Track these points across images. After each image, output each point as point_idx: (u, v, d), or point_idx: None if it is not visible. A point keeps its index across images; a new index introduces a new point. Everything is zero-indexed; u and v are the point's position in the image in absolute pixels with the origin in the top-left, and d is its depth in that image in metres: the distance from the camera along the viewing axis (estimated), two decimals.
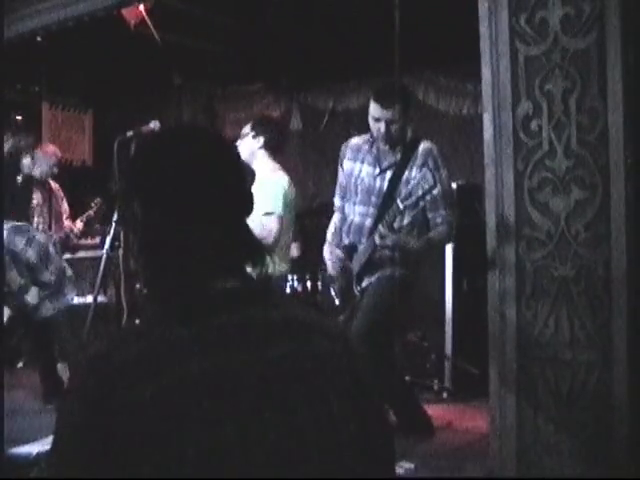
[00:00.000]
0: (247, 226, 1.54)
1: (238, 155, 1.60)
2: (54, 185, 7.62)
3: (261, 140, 5.07)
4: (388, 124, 4.26)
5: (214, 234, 1.46)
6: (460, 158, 7.89)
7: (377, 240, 4.14)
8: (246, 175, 1.64)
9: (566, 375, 3.18)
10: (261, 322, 1.44)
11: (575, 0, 3.09)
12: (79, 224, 7.74)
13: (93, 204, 7.87)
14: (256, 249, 1.54)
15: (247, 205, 1.55)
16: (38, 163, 7.43)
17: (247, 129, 5.21)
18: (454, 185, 5.39)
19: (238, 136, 5.19)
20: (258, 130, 5.12)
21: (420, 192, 4.08)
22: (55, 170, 7.48)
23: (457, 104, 8.22)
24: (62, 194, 7.74)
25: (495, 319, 3.38)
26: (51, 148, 7.67)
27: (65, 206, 7.78)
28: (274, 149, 5.11)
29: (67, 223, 7.65)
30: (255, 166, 5.10)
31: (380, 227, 4.16)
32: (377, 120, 4.29)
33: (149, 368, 1.32)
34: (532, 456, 3.27)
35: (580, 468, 3.14)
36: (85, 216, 7.83)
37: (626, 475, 3.01)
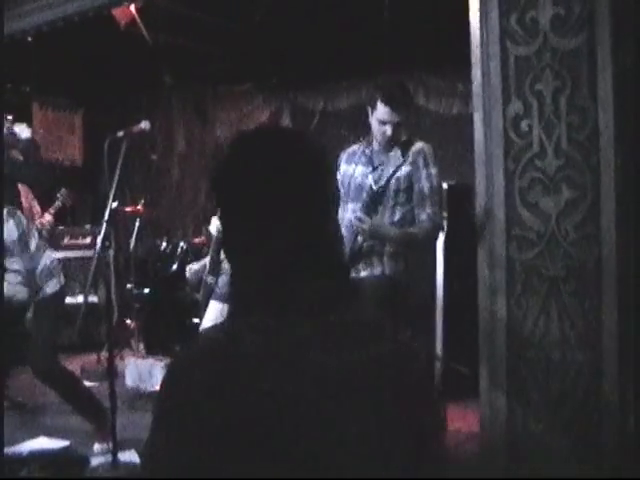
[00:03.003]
0: (336, 224, 1.59)
1: (322, 154, 1.59)
2: (21, 187, 7.61)
3: None
4: (395, 127, 4.26)
5: (299, 235, 1.48)
6: (450, 158, 7.89)
7: (355, 222, 4.13)
8: (332, 175, 1.69)
9: (556, 375, 3.19)
10: (341, 327, 1.48)
11: (565, 0, 3.10)
12: (48, 217, 7.72)
13: (59, 195, 7.84)
14: (339, 251, 1.59)
15: (332, 204, 1.57)
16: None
17: None
18: (445, 185, 5.40)
19: (228, 136, 5.20)
20: None
21: (409, 189, 4.09)
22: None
23: (447, 104, 8.23)
24: (31, 195, 7.75)
25: (485, 319, 3.39)
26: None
27: (36, 206, 7.78)
28: None
29: (38, 221, 7.64)
30: None
31: (359, 212, 4.17)
32: (383, 123, 4.28)
33: (261, 365, 1.39)
34: (522, 455, 3.27)
35: (570, 468, 3.15)
36: (52, 208, 7.81)
37: (616, 475, 3.01)
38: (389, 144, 4.32)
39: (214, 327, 1.68)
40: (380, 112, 4.28)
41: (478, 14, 3.33)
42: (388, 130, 4.27)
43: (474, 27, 3.35)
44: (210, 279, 5.62)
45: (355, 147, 4.55)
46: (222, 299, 5.29)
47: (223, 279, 5.36)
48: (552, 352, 3.20)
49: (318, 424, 1.39)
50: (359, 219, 4.13)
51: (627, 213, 3.04)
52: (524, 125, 3.24)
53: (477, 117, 3.39)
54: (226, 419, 1.36)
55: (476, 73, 3.38)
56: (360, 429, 1.41)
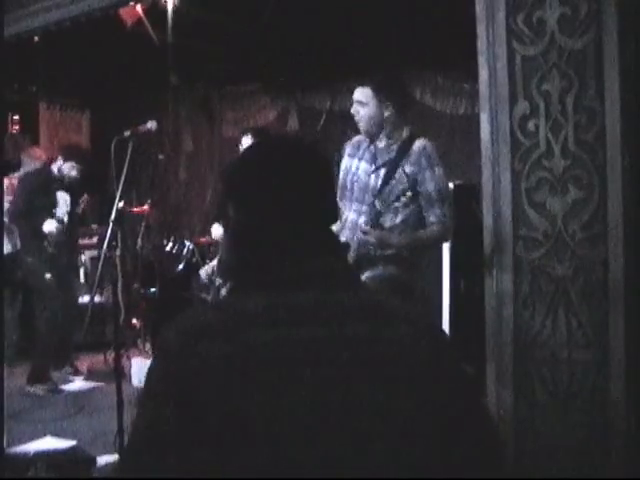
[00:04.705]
0: (331, 233, 1.71)
1: (329, 167, 1.76)
2: None
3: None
4: (366, 111, 4.23)
5: (299, 236, 1.60)
6: (457, 158, 7.90)
7: (359, 236, 4.11)
8: (334, 187, 1.85)
9: (563, 374, 3.18)
10: (341, 303, 1.53)
11: (572, 0, 3.10)
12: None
13: (80, 201, 7.85)
14: (337, 254, 1.66)
15: (332, 214, 1.73)
16: (24, 166, 7.47)
17: (248, 141, 5.24)
18: (451, 185, 5.39)
19: (236, 136, 5.20)
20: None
21: (411, 190, 4.07)
22: None
23: (454, 104, 8.23)
24: None
25: (492, 319, 3.38)
26: (37, 152, 7.69)
27: None
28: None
29: None
30: None
31: (362, 224, 4.15)
32: (354, 102, 4.31)
33: (226, 332, 1.44)
34: (529, 456, 3.27)
35: (578, 468, 3.14)
36: None
37: (624, 475, 3.01)
38: (367, 133, 4.30)
39: (214, 302, 1.75)
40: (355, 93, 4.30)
41: (485, 14, 3.32)
42: (355, 109, 4.27)
43: (481, 27, 3.34)
44: (219, 281, 5.62)
45: (360, 138, 4.48)
46: None
47: None
48: (559, 351, 3.20)
49: (320, 399, 1.41)
50: (364, 232, 4.09)
51: (634, 213, 3.04)
52: (531, 125, 3.23)
53: (484, 117, 3.39)
54: (227, 393, 1.39)
55: (483, 73, 3.37)
56: (370, 408, 1.43)
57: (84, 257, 7.42)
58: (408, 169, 4.17)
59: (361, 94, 4.27)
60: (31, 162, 7.57)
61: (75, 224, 7.39)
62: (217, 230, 5.37)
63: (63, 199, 7.08)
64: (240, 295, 1.57)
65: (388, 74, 4.50)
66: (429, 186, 4.15)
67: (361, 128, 4.31)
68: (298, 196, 1.61)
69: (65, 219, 7.02)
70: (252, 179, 1.63)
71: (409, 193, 4.13)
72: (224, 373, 1.40)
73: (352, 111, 4.30)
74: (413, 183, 4.15)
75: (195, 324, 1.48)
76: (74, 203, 7.22)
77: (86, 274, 7.63)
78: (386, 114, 4.24)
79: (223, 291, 5.41)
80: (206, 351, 1.41)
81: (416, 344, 1.52)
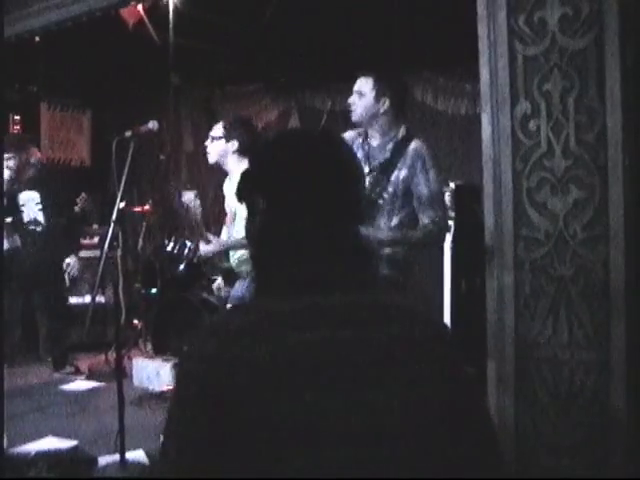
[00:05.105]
0: (358, 232, 1.67)
1: (360, 166, 1.77)
2: None
3: (235, 144, 5.08)
4: (362, 101, 4.25)
5: (331, 237, 1.59)
6: (458, 158, 7.90)
7: None
8: (364, 186, 1.80)
9: (564, 375, 3.18)
10: (374, 304, 1.54)
11: (573, 0, 3.09)
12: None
13: (78, 200, 7.86)
14: (362, 255, 1.65)
15: (362, 214, 1.77)
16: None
17: (218, 132, 5.19)
18: (452, 185, 5.40)
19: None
20: (232, 134, 5.13)
21: (406, 192, 4.07)
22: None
23: (455, 104, 8.24)
24: None
25: (493, 319, 3.38)
26: (31, 149, 7.69)
27: None
28: (246, 151, 5.08)
29: None
30: (229, 168, 5.12)
31: None
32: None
33: (260, 334, 1.44)
34: (530, 456, 3.27)
35: (578, 468, 3.14)
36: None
37: (625, 475, 3.01)
38: (360, 123, 4.30)
39: (240, 305, 1.75)
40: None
41: (486, 14, 3.32)
42: (353, 99, 4.29)
43: (482, 27, 3.34)
44: (227, 290, 5.60)
45: (352, 134, 4.44)
46: (238, 302, 5.23)
47: (239, 283, 5.32)
48: (560, 352, 3.20)
49: (345, 399, 1.42)
50: None
51: (635, 213, 3.04)
52: (532, 125, 3.23)
53: (485, 117, 3.38)
54: (263, 395, 1.39)
55: (484, 73, 3.37)
56: (392, 409, 1.44)
57: (70, 259, 7.38)
58: (402, 172, 4.15)
59: (361, 84, 4.28)
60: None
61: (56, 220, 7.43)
62: (204, 249, 5.28)
63: (30, 198, 7.12)
64: (269, 296, 1.56)
65: (389, 69, 4.50)
66: (423, 188, 4.12)
67: (354, 118, 4.31)
68: (333, 195, 1.59)
69: (40, 217, 7.06)
70: (286, 174, 1.61)
71: (402, 197, 4.12)
72: (260, 375, 1.40)
73: (349, 100, 4.31)
74: (406, 186, 4.14)
75: (229, 327, 1.47)
76: (47, 199, 7.23)
77: (72, 276, 7.59)
78: (382, 108, 4.24)
79: (232, 292, 5.37)
80: (241, 353, 1.41)
81: (438, 345, 1.56)
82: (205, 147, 5.24)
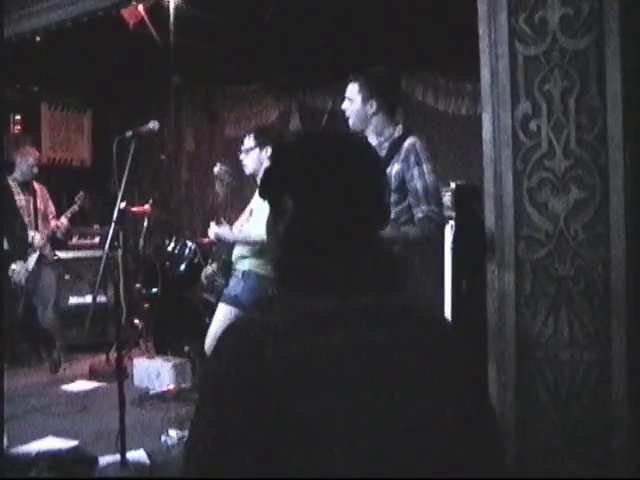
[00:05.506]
0: (380, 239, 1.70)
1: (385, 169, 1.76)
2: (37, 186, 7.66)
3: (269, 150, 5.18)
4: (354, 106, 4.27)
5: (355, 235, 1.59)
6: (459, 158, 7.90)
7: None
8: (388, 190, 1.82)
9: (565, 375, 3.18)
10: (404, 305, 1.58)
11: (574, 0, 3.10)
12: (64, 220, 7.75)
13: (76, 198, 7.88)
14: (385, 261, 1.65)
15: (387, 215, 1.79)
16: (18, 166, 7.50)
17: (251, 142, 5.29)
18: (453, 185, 5.38)
19: (238, 136, 5.21)
20: (263, 141, 5.24)
21: (401, 187, 4.06)
22: (35, 170, 7.53)
23: (456, 104, 8.24)
24: (47, 195, 7.79)
25: (494, 319, 3.38)
26: (28, 150, 7.71)
27: (51, 206, 7.82)
28: None
29: (53, 222, 7.68)
30: None
31: None
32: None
33: (294, 334, 1.44)
34: (531, 456, 3.27)
35: (579, 468, 3.14)
36: (69, 212, 7.84)
37: (626, 475, 3.01)
38: (354, 128, 4.30)
39: (267, 305, 1.76)
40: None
41: (487, 14, 3.33)
42: (345, 105, 4.30)
43: (483, 27, 3.35)
44: (220, 281, 5.62)
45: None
46: (230, 302, 5.25)
47: (233, 281, 5.34)
48: (561, 352, 3.20)
49: (370, 400, 1.42)
50: None
51: (636, 213, 3.04)
52: (533, 125, 3.23)
53: (486, 117, 3.39)
54: (298, 396, 1.39)
55: (485, 73, 3.37)
56: (426, 409, 1.45)
57: (16, 265, 7.40)
58: (397, 167, 4.15)
59: (349, 90, 4.30)
60: (23, 162, 7.55)
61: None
62: (213, 229, 5.35)
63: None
64: (298, 296, 1.55)
65: (374, 71, 4.49)
66: (417, 183, 4.10)
67: (350, 124, 4.33)
68: (362, 197, 1.60)
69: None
70: (317, 176, 1.60)
71: (397, 192, 4.11)
72: (295, 376, 1.39)
73: (342, 107, 4.33)
74: (401, 180, 4.13)
75: (262, 328, 1.46)
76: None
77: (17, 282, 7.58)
78: (371, 110, 4.24)
79: (226, 291, 5.38)
80: (276, 354, 1.40)
81: (462, 347, 1.59)
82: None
